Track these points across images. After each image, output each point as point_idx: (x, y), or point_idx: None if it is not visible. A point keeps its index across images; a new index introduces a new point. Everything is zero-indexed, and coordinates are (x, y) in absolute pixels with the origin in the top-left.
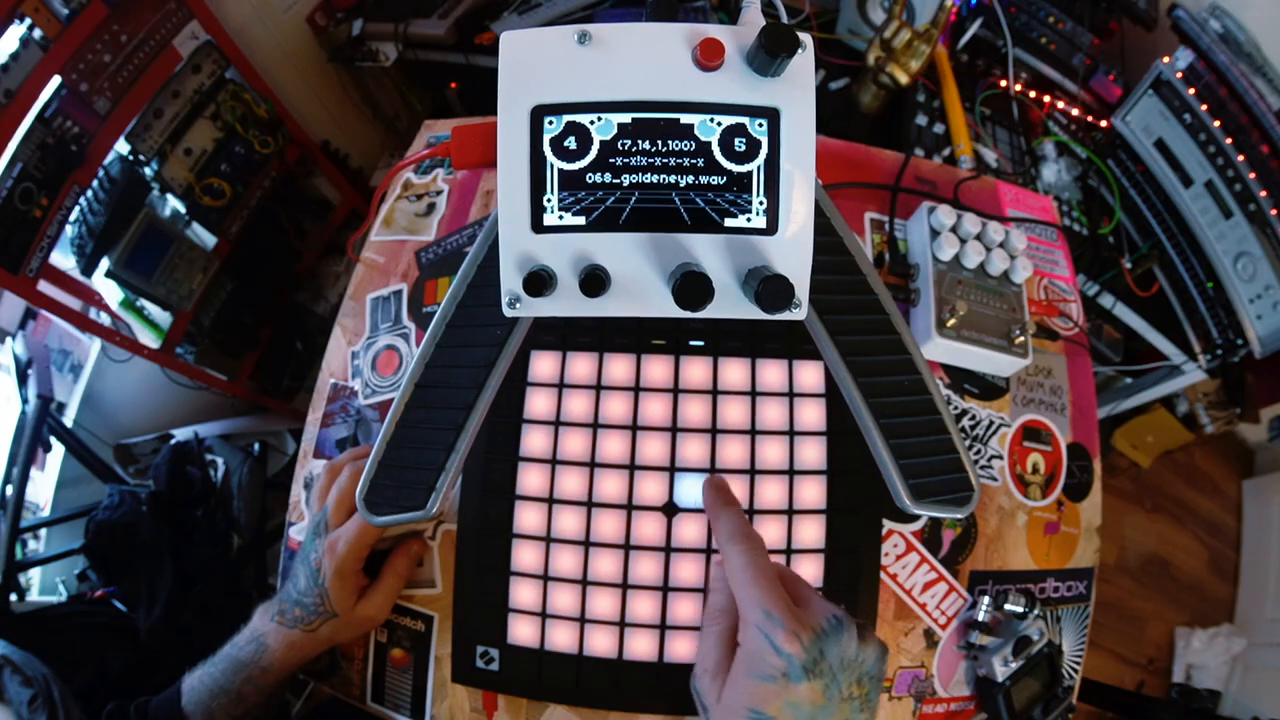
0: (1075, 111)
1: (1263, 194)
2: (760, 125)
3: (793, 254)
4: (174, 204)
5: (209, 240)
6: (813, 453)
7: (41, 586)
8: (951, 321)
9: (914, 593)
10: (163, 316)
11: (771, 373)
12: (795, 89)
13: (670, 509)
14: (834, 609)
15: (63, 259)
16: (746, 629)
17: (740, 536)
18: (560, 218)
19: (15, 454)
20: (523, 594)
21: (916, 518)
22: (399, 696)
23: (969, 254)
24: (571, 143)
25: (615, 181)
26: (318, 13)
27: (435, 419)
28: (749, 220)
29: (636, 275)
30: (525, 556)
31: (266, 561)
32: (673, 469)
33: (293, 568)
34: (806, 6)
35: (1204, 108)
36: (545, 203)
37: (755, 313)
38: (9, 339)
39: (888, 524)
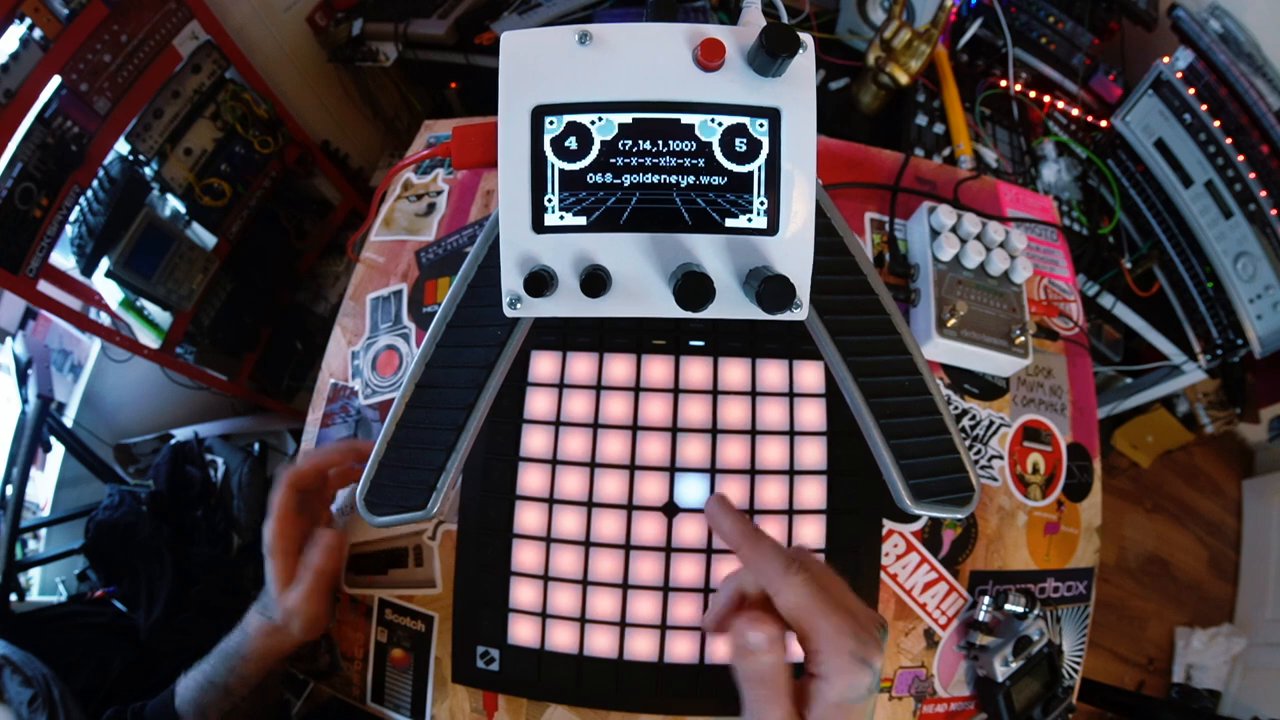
0: (1075, 111)
1: (1263, 194)
2: (761, 125)
3: (793, 254)
4: (174, 204)
5: (209, 240)
6: (813, 453)
7: (41, 586)
8: (952, 321)
9: (914, 593)
10: (163, 316)
11: (772, 373)
12: (796, 89)
13: (670, 509)
14: (873, 612)
15: (63, 259)
16: (835, 658)
17: (797, 565)
18: (561, 218)
19: (15, 454)
20: (523, 594)
21: (916, 518)
22: (399, 696)
23: (969, 254)
24: (572, 143)
25: (616, 182)
26: (318, 13)
27: (435, 419)
28: (750, 220)
29: (637, 275)
30: (525, 556)
31: None
32: (673, 469)
33: None
34: (806, 6)
35: (1204, 108)
36: (546, 203)
37: (756, 313)
38: (9, 339)
39: (888, 524)
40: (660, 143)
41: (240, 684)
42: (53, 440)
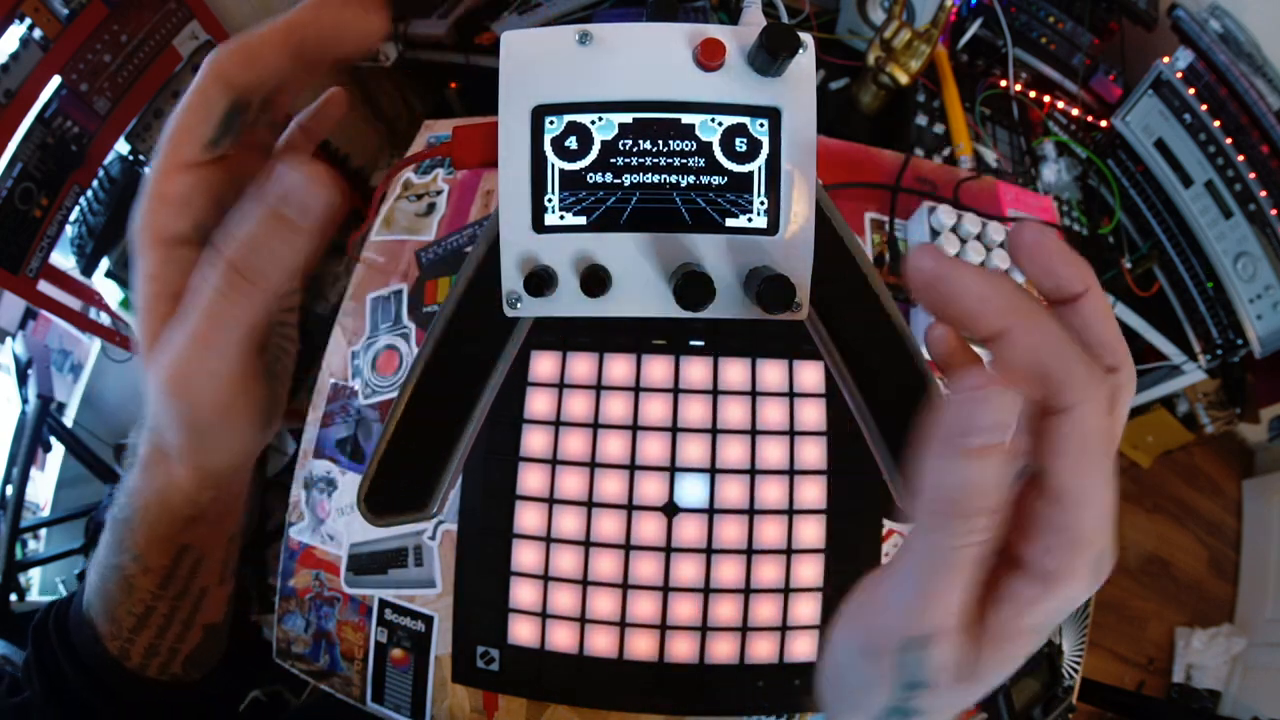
0: (1075, 111)
1: (1263, 194)
2: (761, 125)
3: (794, 254)
4: None
5: None
6: (813, 453)
7: (41, 586)
8: None
9: None
10: None
11: (772, 373)
12: (796, 89)
13: (671, 509)
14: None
15: (63, 259)
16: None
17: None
18: (561, 217)
19: (15, 454)
20: (523, 594)
21: None
22: (399, 696)
23: (969, 254)
24: (573, 143)
25: (616, 181)
26: None
27: (435, 419)
28: (750, 220)
29: (638, 275)
30: (525, 556)
31: (267, 561)
32: (673, 469)
33: None
34: (806, 6)
35: (1204, 108)
36: (546, 203)
37: (756, 313)
38: (9, 339)
39: (888, 524)
40: (660, 142)
41: (139, 569)
42: (53, 440)
